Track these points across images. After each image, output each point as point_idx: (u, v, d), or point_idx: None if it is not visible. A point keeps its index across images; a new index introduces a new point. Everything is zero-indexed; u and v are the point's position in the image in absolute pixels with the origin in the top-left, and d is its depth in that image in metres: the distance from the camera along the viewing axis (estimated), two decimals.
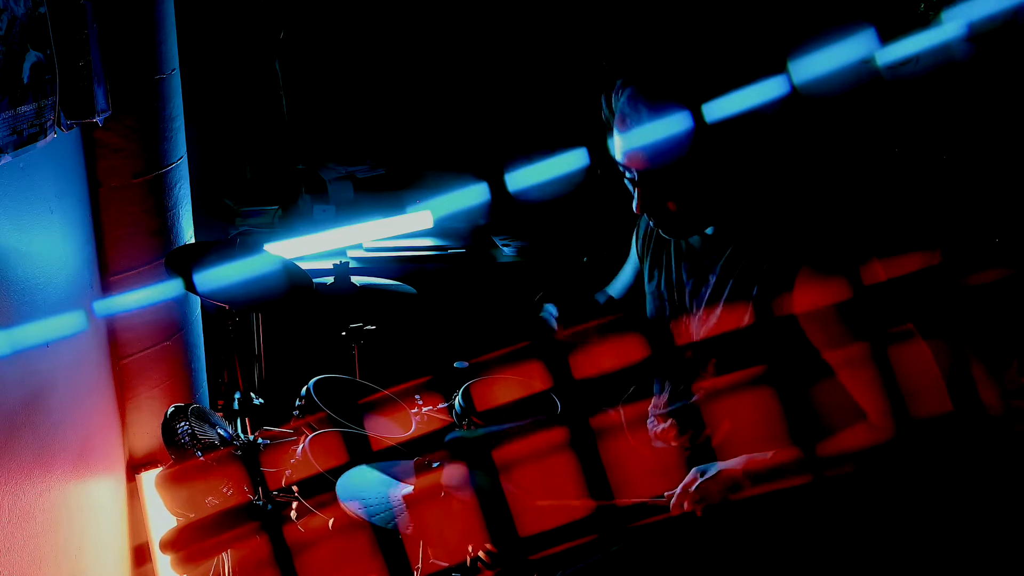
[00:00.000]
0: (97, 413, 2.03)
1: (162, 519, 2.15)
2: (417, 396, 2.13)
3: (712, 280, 1.51)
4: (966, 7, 2.24)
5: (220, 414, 2.18)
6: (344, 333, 2.30)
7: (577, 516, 1.52)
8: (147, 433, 2.24)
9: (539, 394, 1.94)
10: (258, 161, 3.33)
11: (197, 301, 2.36)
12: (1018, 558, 1.60)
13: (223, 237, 2.99)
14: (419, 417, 2.08)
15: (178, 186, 2.15)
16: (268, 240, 2.82)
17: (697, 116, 1.36)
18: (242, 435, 2.04)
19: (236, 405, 2.10)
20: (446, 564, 1.60)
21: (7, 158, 1.43)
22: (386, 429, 2.03)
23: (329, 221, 3.08)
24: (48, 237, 1.71)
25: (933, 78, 2.27)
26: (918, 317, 1.38)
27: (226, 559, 1.91)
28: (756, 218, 1.48)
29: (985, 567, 1.59)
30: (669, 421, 1.63)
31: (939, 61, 2.25)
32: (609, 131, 1.48)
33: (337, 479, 1.76)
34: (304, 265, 2.19)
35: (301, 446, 1.89)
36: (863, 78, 2.29)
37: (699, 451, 1.57)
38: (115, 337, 2.13)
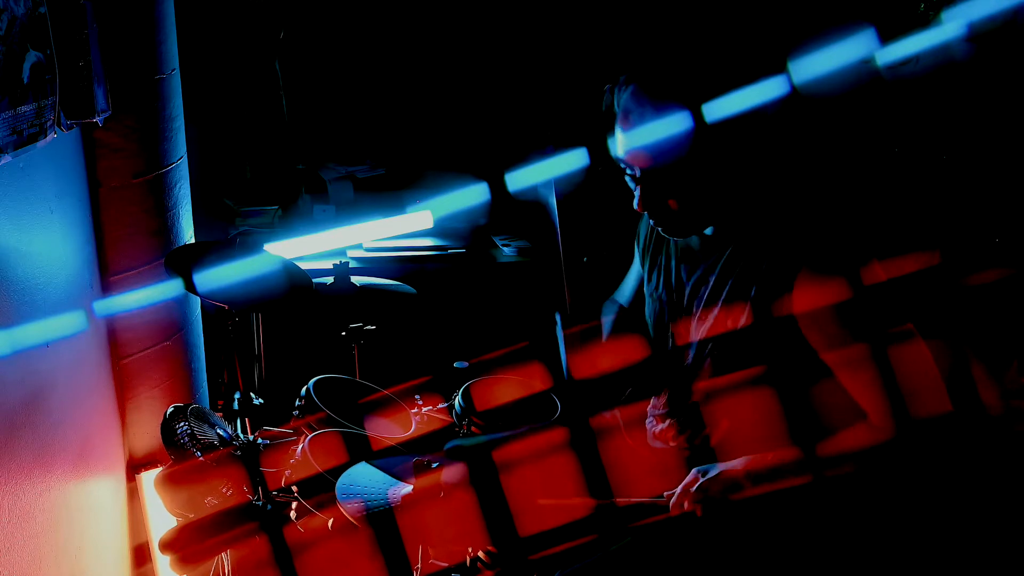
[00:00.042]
0: (97, 413, 2.03)
1: (162, 519, 2.15)
2: (417, 396, 2.13)
3: (711, 281, 1.51)
4: (966, 7, 2.24)
5: (220, 414, 2.18)
6: (344, 333, 2.30)
7: (577, 516, 1.52)
8: (147, 433, 2.24)
9: (539, 394, 1.94)
10: (258, 161, 3.33)
11: (197, 301, 2.36)
12: (1018, 558, 1.60)
13: (223, 237, 2.99)
14: (419, 417, 2.08)
15: (178, 186, 2.15)
16: (268, 240, 2.82)
17: (700, 114, 1.36)
18: (242, 435, 2.03)
19: (236, 405, 2.10)
20: (446, 564, 1.60)
21: (7, 158, 1.43)
22: (386, 429, 2.02)
23: (329, 221, 3.08)
24: (48, 237, 1.71)
25: (933, 78, 2.27)
26: (918, 317, 1.38)
27: (226, 559, 1.91)
28: (756, 218, 1.48)
29: (985, 567, 1.59)
30: (668, 421, 1.63)
31: (939, 61, 2.25)
32: (610, 126, 1.48)
33: (337, 479, 1.76)
34: (304, 265, 2.19)
35: (301, 446, 1.89)
36: (863, 78, 2.29)
37: (698, 451, 1.57)
38: (115, 337, 2.13)
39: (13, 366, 1.50)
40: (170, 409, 1.91)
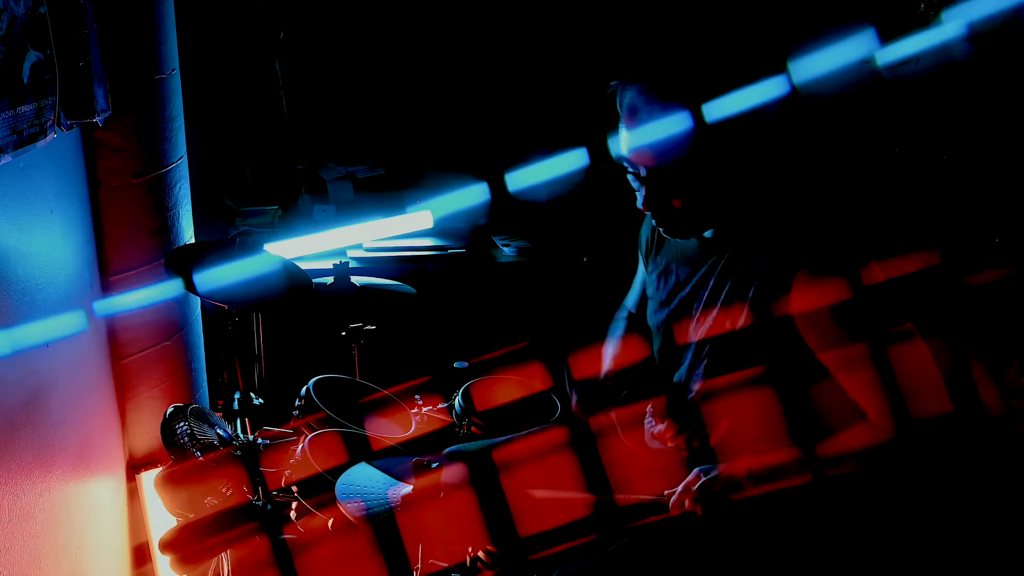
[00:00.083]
0: (97, 413, 2.03)
1: (162, 519, 2.15)
2: (417, 396, 2.14)
3: (710, 282, 1.51)
4: (966, 7, 2.24)
5: (220, 414, 2.18)
6: (344, 333, 2.30)
7: (577, 516, 1.52)
8: (147, 433, 2.24)
9: (539, 394, 1.94)
10: (258, 161, 3.33)
11: (197, 301, 2.36)
12: (1018, 558, 1.60)
13: (223, 237, 2.99)
14: (419, 417, 2.08)
15: (178, 186, 2.15)
16: (268, 240, 2.82)
17: (706, 113, 1.36)
18: (242, 435, 2.04)
19: (236, 405, 2.10)
20: (446, 564, 1.60)
21: (7, 158, 1.43)
22: (386, 429, 2.03)
23: (329, 221, 3.08)
24: (48, 237, 1.71)
25: (933, 78, 2.27)
26: (918, 317, 1.38)
27: (226, 559, 1.91)
28: (755, 219, 1.48)
29: (985, 567, 1.59)
30: (667, 422, 1.63)
31: (939, 61, 2.25)
32: (614, 125, 1.48)
33: (337, 479, 1.76)
34: (304, 265, 2.19)
35: (301, 446, 1.89)
36: (863, 78, 2.29)
37: (697, 452, 1.57)
38: (115, 337, 2.13)
39: (13, 366, 1.50)
40: (170, 409, 1.91)
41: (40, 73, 1.54)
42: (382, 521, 1.65)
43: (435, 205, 3.09)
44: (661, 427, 1.64)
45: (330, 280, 2.26)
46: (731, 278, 1.48)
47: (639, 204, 1.50)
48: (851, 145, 2.48)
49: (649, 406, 1.70)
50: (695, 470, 1.47)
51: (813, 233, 1.42)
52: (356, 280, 2.27)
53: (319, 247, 2.92)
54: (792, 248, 1.41)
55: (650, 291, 1.69)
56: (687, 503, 1.44)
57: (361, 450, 1.92)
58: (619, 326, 1.83)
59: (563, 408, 1.98)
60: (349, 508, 1.66)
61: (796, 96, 1.45)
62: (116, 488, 2.13)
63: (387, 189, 3.28)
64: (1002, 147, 2.22)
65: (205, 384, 2.45)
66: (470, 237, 3.18)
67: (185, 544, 1.78)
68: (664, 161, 1.41)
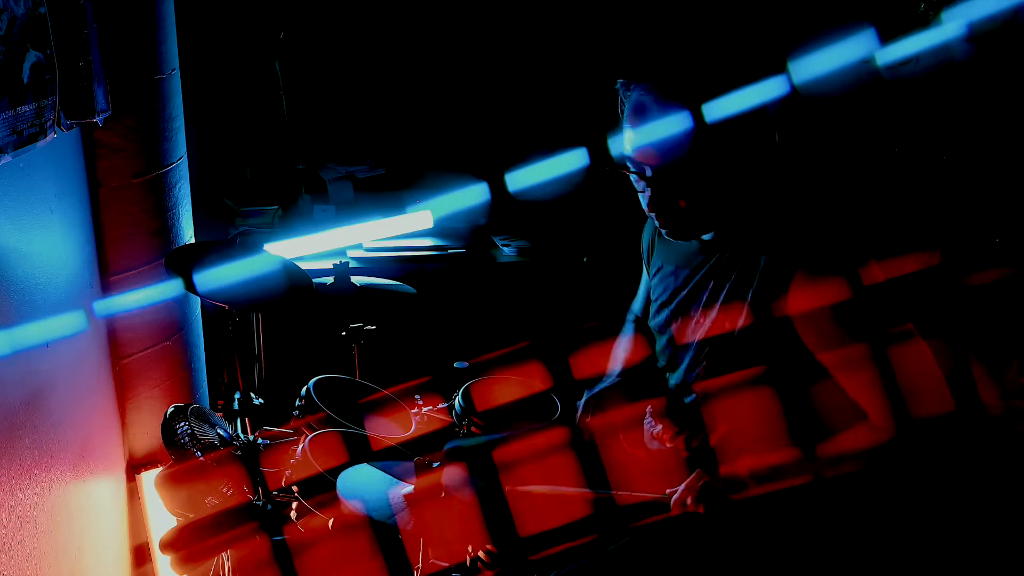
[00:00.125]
0: (97, 413, 2.03)
1: (162, 519, 2.15)
2: (417, 396, 2.14)
3: (710, 283, 1.51)
4: (966, 7, 2.24)
5: (220, 414, 2.18)
6: (344, 333, 2.30)
7: (577, 515, 1.52)
8: (147, 433, 2.24)
9: (539, 394, 1.94)
10: (258, 161, 3.33)
11: (197, 301, 2.36)
12: (1018, 558, 1.61)
13: (223, 237, 2.99)
14: (419, 417, 2.08)
15: (178, 186, 2.15)
16: (268, 240, 2.82)
17: (711, 112, 1.36)
18: (242, 435, 2.04)
19: (236, 405, 2.10)
20: (446, 564, 1.60)
21: (7, 158, 1.43)
22: (386, 429, 2.03)
23: (329, 221, 3.08)
24: (48, 237, 1.71)
25: (933, 78, 2.27)
26: (918, 317, 1.38)
27: (226, 559, 1.91)
28: (754, 219, 1.48)
29: (985, 567, 1.59)
30: (667, 422, 1.63)
31: (939, 61, 2.25)
32: (615, 124, 1.48)
33: (337, 479, 1.76)
34: (304, 265, 2.19)
35: (301, 446, 1.89)
36: (863, 78, 2.29)
37: (697, 452, 1.57)
38: (115, 337, 2.13)
39: (13, 366, 1.50)
40: (170, 409, 1.91)
41: (40, 73, 1.54)
42: (385, 524, 1.65)
43: (435, 205, 3.09)
44: (661, 428, 1.64)
45: (330, 280, 2.26)
46: (730, 278, 1.48)
47: (644, 205, 1.49)
48: (851, 145, 2.48)
49: (649, 407, 1.70)
50: (698, 470, 1.47)
51: (811, 233, 1.42)
52: (356, 280, 2.26)
53: (319, 247, 2.92)
54: (790, 248, 1.41)
55: (651, 293, 1.69)
56: (689, 502, 1.44)
57: (361, 450, 1.92)
58: (627, 330, 1.83)
59: (563, 408, 1.98)
60: (350, 507, 1.66)
61: (796, 96, 1.45)
62: (116, 488, 2.13)
63: (387, 189, 3.28)
64: (1002, 147, 2.23)
65: (205, 384, 2.45)
66: (470, 237, 3.18)
67: (185, 544, 1.78)
68: (670, 160, 1.41)
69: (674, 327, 1.59)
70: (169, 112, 2.05)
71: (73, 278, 1.85)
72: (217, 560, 1.93)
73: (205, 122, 2.97)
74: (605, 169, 1.51)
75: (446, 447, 1.65)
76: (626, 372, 1.74)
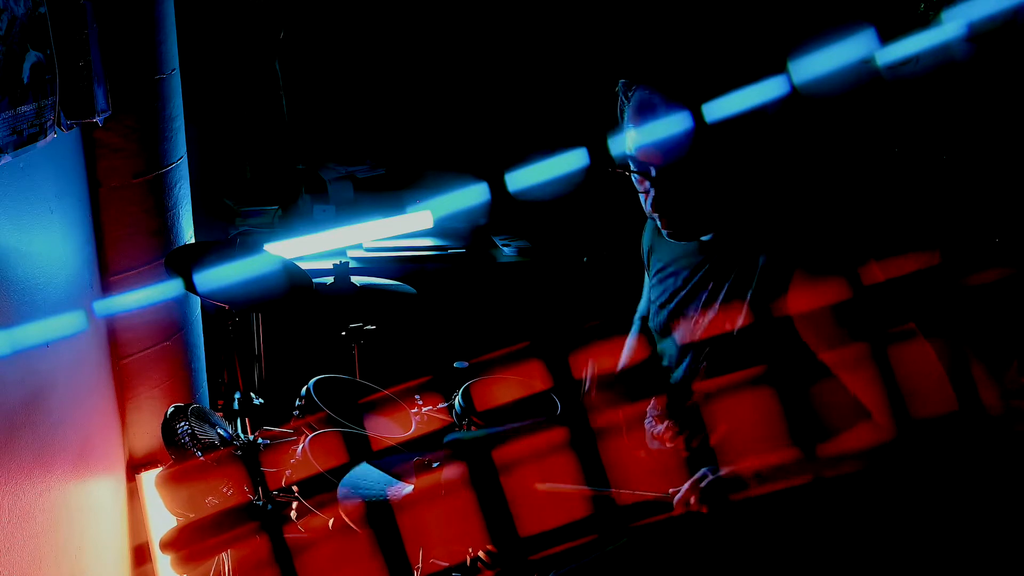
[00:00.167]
0: (97, 413, 2.03)
1: (162, 519, 2.15)
2: (417, 396, 2.14)
3: (709, 283, 1.51)
4: (966, 7, 2.24)
5: (220, 414, 2.18)
6: (344, 333, 2.30)
7: (577, 515, 1.52)
8: (147, 433, 2.24)
9: (539, 394, 1.94)
10: (258, 161, 3.33)
11: (197, 301, 2.36)
12: (1018, 558, 1.61)
13: (223, 237, 2.99)
14: (419, 417, 2.08)
15: (178, 186, 2.15)
16: (268, 240, 2.82)
17: (714, 111, 1.36)
18: (242, 435, 2.04)
19: (236, 405, 2.10)
20: (446, 564, 1.60)
21: (7, 158, 1.43)
22: (386, 429, 2.03)
23: (329, 221, 3.08)
24: (48, 237, 1.71)
25: (933, 78, 2.27)
26: (918, 317, 1.38)
27: (226, 559, 1.91)
28: (754, 218, 1.48)
29: (985, 567, 1.59)
30: (667, 422, 1.63)
31: (939, 61, 2.25)
32: (615, 124, 1.48)
33: (337, 479, 1.76)
34: (304, 265, 2.19)
35: (301, 446, 1.89)
36: (863, 78, 2.29)
37: (697, 452, 1.57)
38: (115, 337, 2.13)
39: (13, 366, 1.50)
40: (171, 409, 1.91)
41: (40, 73, 1.54)
42: (382, 519, 1.65)
43: (435, 205, 3.09)
44: (661, 428, 1.64)
45: (330, 280, 2.26)
46: (729, 278, 1.48)
47: (647, 206, 1.49)
48: (851, 145, 2.48)
49: (649, 406, 1.70)
50: (702, 470, 1.46)
51: (810, 233, 1.42)
52: (356, 280, 2.26)
53: (319, 247, 2.92)
54: (789, 248, 1.41)
55: (651, 294, 1.69)
56: (693, 502, 1.44)
57: (361, 450, 1.92)
58: (634, 331, 1.83)
59: (563, 408, 1.98)
60: (349, 507, 1.66)
61: (796, 96, 1.45)
62: (116, 488, 2.13)
63: (387, 189, 3.28)
64: (1002, 147, 2.23)
65: (205, 384, 2.45)
66: (470, 237, 3.18)
67: (185, 544, 1.79)
68: (674, 159, 1.41)
69: (674, 327, 1.59)
70: (169, 112, 2.05)
71: (73, 278, 1.85)
72: (217, 560, 1.93)
73: (205, 122, 2.97)
74: (608, 170, 1.50)
75: (445, 439, 1.65)
76: (628, 372, 1.74)
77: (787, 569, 1.47)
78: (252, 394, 2.12)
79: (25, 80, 1.48)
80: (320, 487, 1.78)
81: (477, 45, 3.27)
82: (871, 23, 2.26)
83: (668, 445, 1.61)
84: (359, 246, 3.04)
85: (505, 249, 3.13)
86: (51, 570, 1.62)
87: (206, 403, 2.46)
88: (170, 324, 2.22)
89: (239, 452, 1.86)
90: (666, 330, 1.62)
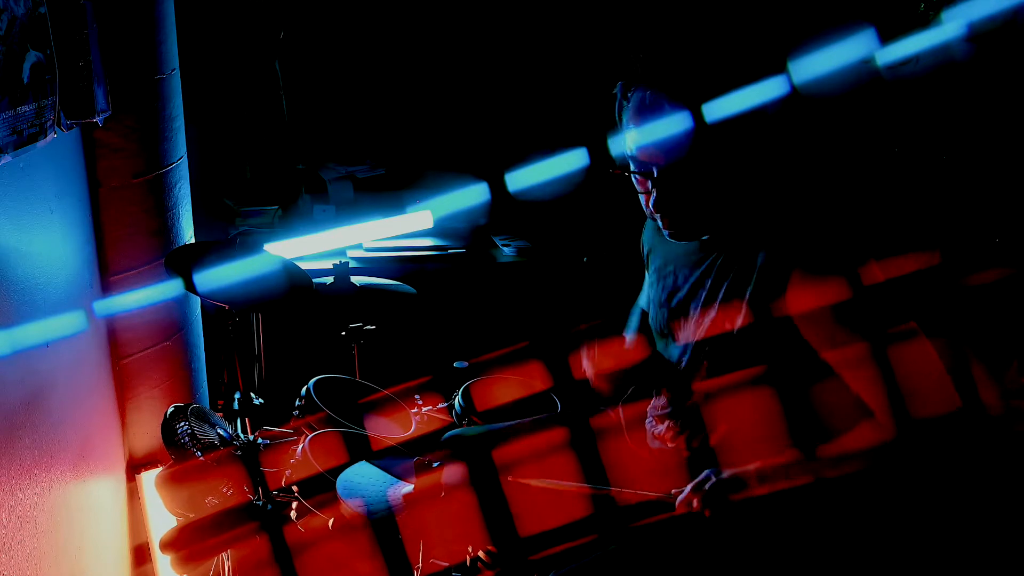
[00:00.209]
0: (97, 413, 2.03)
1: (162, 519, 2.15)
2: (417, 396, 2.14)
3: (708, 282, 1.51)
4: (966, 7, 2.24)
5: (220, 414, 2.18)
6: (344, 333, 2.30)
7: (577, 515, 1.52)
8: (147, 433, 2.24)
9: (539, 394, 1.94)
10: (258, 161, 3.33)
11: (197, 301, 2.36)
12: (1018, 558, 1.61)
13: (223, 237, 2.99)
14: (419, 417, 2.08)
15: (178, 186, 2.15)
16: (268, 240, 2.82)
17: (716, 111, 1.36)
18: (242, 435, 2.04)
19: (236, 405, 2.10)
20: (446, 564, 1.60)
21: (7, 158, 1.43)
22: (386, 429, 2.03)
23: (329, 221, 3.08)
24: (48, 237, 1.71)
25: (933, 78, 2.27)
26: (918, 317, 1.38)
27: (226, 559, 1.91)
28: (753, 217, 1.48)
29: (985, 567, 1.59)
30: (668, 422, 1.63)
31: (939, 61, 2.25)
32: (616, 124, 1.48)
33: (337, 479, 1.76)
34: (304, 265, 2.19)
35: (301, 446, 1.89)
36: (863, 78, 2.29)
37: (698, 452, 1.57)
38: (115, 337, 2.13)
39: (13, 366, 1.50)
40: (170, 409, 1.91)
41: (40, 73, 1.54)
42: (382, 521, 1.65)
43: (435, 205, 3.09)
44: (662, 428, 1.64)
45: (330, 280, 2.26)
46: (728, 277, 1.48)
47: (649, 206, 1.49)
48: (851, 145, 2.48)
49: (650, 407, 1.70)
50: (704, 472, 1.46)
51: (809, 232, 1.42)
52: (356, 280, 2.27)
53: (319, 247, 2.92)
54: (788, 247, 1.41)
55: (651, 293, 1.69)
56: (695, 504, 1.43)
57: (361, 450, 1.92)
58: (633, 324, 1.82)
59: (563, 408, 1.98)
60: (350, 507, 1.66)
61: (796, 96, 1.45)
62: (116, 488, 2.13)
63: (387, 189, 3.29)
64: (1002, 147, 2.23)
65: (205, 384, 2.45)
66: (470, 237, 3.18)
67: (185, 544, 1.79)
68: (675, 159, 1.40)
69: (674, 327, 1.59)
70: (169, 112, 2.05)
71: (73, 278, 1.85)
72: (217, 560, 1.93)
73: (205, 122, 2.97)
74: (609, 172, 1.50)
75: (444, 437, 1.65)
76: (628, 371, 1.74)
77: (789, 569, 1.47)
78: (252, 394, 2.12)
79: (25, 80, 1.48)
80: (320, 487, 1.78)
81: (477, 45, 3.27)
82: (871, 23, 2.26)
83: (669, 445, 1.61)
84: (359, 246, 3.04)
85: (505, 249, 3.13)
86: (51, 570, 1.62)
87: (206, 403, 2.46)
88: (170, 324, 2.22)
89: (239, 452, 1.86)
90: (666, 329, 1.62)
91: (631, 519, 1.50)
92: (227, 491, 1.82)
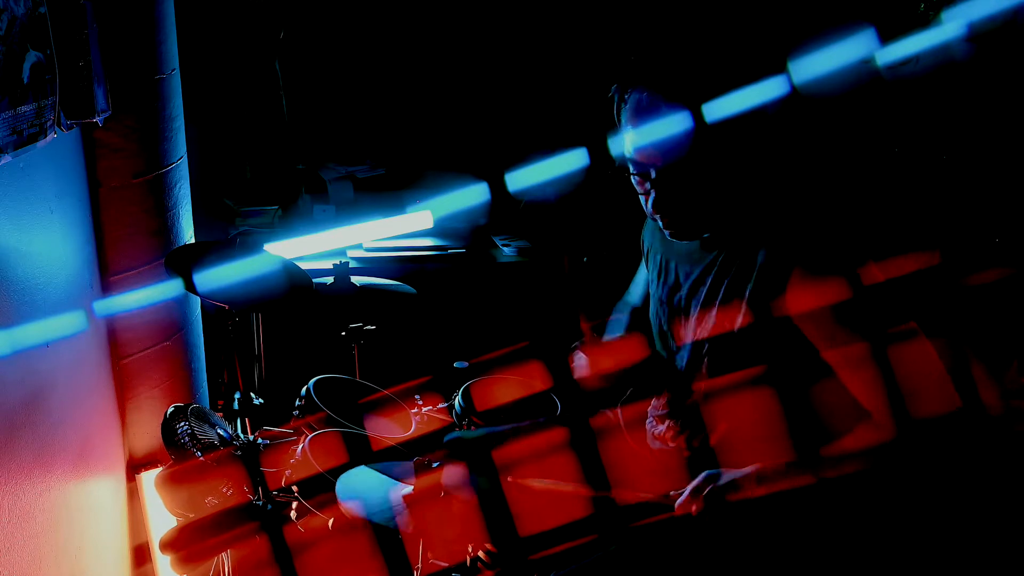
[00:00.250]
0: (97, 413, 2.03)
1: (162, 519, 2.15)
2: (417, 396, 2.14)
3: (708, 281, 1.51)
4: (966, 7, 2.24)
5: (220, 414, 2.18)
6: (344, 333, 2.30)
7: (577, 515, 1.52)
8: (147, 433, 2.24)
9: (539, 394, 1.94)
10: (258, 161, 3.33)
11: (197, 301, 2.36)
12: (1018, 558, 1.61)
13: (223, 237, 2.99)
14: (419, 417, 2.08)
15: (178, 186, 2.15)
16: (268, 240, 2.82)
17: (713, 112, 1.36)
18: (242, 435, 2.04)
19: (236, 405, 2.10)
20: (446, 564, 1.60)
21: (7, 158, 1.43)
22: (386, 429, 2.03)
23: (329, 221, 3.08)
24: (48, 237, 1.71)
25: (933, 78, 2.27)
26: (918, 317, 1.38)
27: (226, 559, 1.91)
28: (753, 217, 1.48)
29: (985, 567, 1.59)
30: (668, 422, 1.63)
31: (939, 61, 2.25)
32: (619, 126, 1.48)
33: (337, 479, 1.76)
34: (304, 265, 2.19)
35: (301, 446, 1.89)
36: (863, 78, 2.29)
37: (698, 452, 1.57)
38: (115, 337, 2.13)
39: (13, 366, 1.50)
40: (170, 409, 1.91)
41: (40, 73, 1.54)
42: (384, 522, 1.65)
43: (435, 205, 3.09)
44: (662, 428, 1.64)
45: (330, 280, 2.26)
46: (728, 276, 1.48)
47: (648, 207, 1.49)
48: (851, 145, 2.48)
49: (650, 406, 1.70)
50: (703, 475, 1.46)
51: (809, 231, 1.42)
52: (356, 280, 2.27)
53: (319, 247, 2.92)
54: (788, 246, 1.41)
55: (651, 290, 1.69)
56: (694, 510, 1.43)
57: (361, 450, 1.92)
58: (622, 321, 1.82)
59: (563, 408, 1.98)
60: (349, 508, 1.66)
61: (796, 96, 1.45)
62: (116, 488, 2.13)
63: (387, 189, 3.29)
64: (1002, 147, 2.23)
65: (205, 384, 2.45)
66: (470, 237, 3.18)
67: (185, 544, 1.79)
68: (673, 160, 1.40)
69: (674, 326, 1.59)
70: (169, 112, 2.05)
71: (73, 278, 1.85)
72: (217, 560, 1.93)
73: (205, 122, 2.97)
74: (608, 172, 1.50)
75: (445, 439, 1.65)
76: (623, 366, 1.74)
77: (789, 570, 1.47)
78: (252, 394, 2.12)
79: (25, 80, 1.48)
80: (320, 487, 1.78)
81: (477, 45, 3.27)
82: (871, 23, 2.26)
83: (670, 445, 1.61)
84: (359, 246, 3.04)
85: (505, 249, 3.13)
86: (51, 570, 1.62)
87: (206, 403, 2.46)
88: (170, 324, 2.22)
89: (239, 452, 1.86)
90: (666, 328, 1.62)
91: (631, 519, 1.50)
92: (227, 491, 1.82)
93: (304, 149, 3.36)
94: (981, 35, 2.21)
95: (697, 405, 1.55)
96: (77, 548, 1.79)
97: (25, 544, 1.49)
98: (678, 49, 1.44)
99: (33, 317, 1.59)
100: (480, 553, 1.54)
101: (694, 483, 1.45)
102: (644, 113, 1.41)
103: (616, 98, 1.46)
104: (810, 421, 1.45)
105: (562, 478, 1.56)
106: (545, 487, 1.54)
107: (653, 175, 1.44)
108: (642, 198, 1.51)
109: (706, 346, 1.52)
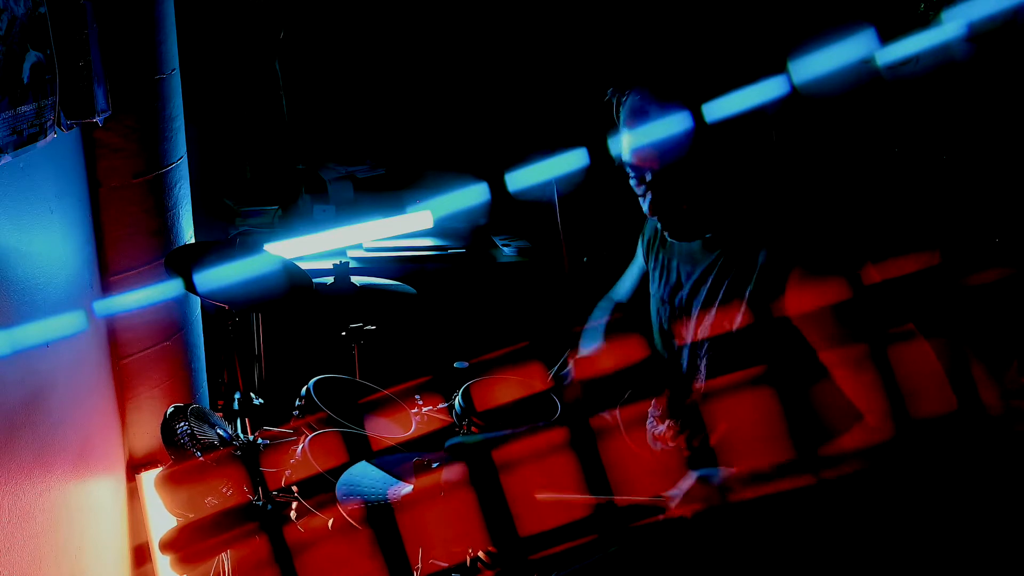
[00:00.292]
0: (97, 413, 2.03)
1: (162, 519, 2.15)
2: (417, 396, 2.13)
3: (709, 281, 1.51)
4: (966, 7, 2.24)
5: (220, 414, 2.18)
6: (344, 333, 2.30)
7: (577, 516, 1.52)
8: (147, 433, 2.24)
9: (539, 394, 1.94)
10: (258, 161, 3.33)
11: (197, 301, 2.36)
12: (1018, 558, 1.61)
13: (223, 237, 2.99)
14: (419, 417, 2.08)
15: (178, 186, 2.15)
16: (268, 240, 2.82)
17: (709, 113, 1.36)
18: (242, 435, 2.03)
19: (236, 405, 2.10)
20: (446, 564, 1.60)
21: (7, 158, 1.43)
22: (386, 429, 2.03)
23: (329, 221, 3.08)
24: (48, 237, 1.71)
25: (933, 78, 2.27)
26: (918, 317, 1.38)
27: (226, 559, 1.91)
28: (753, 218, 1.48)
29: (985, 567, 1.59)
30: (668, 422, 1.63)
31: (939, 61, 2.25)
32: (614, 127, 1.48)
33: (337, 479, 1.76)
34: (304, 265, 2.19)
35: (301, 446, 1.89)
36: (863, 78, 2.29)
37: (698, 452, 1.57)
38: (115, 337, 2.13)
39: (13, 366, 1.50)
40: (170, 409, 1.91)
41: (40, 73, 1.54)
42: (382, 519, 1.65)
43: (435, 205, 3.10)
44: (662, 428, 1.64)
45: (330, 280, 2.26)
46: (728, 276, 1.48)
47: (645, 209, 1.49)
48: (851, 145, 2.48)
49: (650, 407, 1.70)
50: (695, 476, 1.46)
51: (809, 231, 1.42)
52: (356, 280, 2.27)
53: (319, 247, 2.92)
54: (788, 246, 1.41)
55: (651, 288, 1.69)
56: (687, 512, 1.43)
57: (361, 450, 1.92)
58: (598, 329, 1.81)
59: (563, 408, 1.98)
60: (349, 507, 1.65)
61: (796, 96, 1.45)
62: (116, 488, 2.13)
63: (387, 189, 3.29)
64: (1002, 147, 2.22)
65: (205, 384, 2.45)
66: (470, 237, 3.18)
67: (185, 544, 1.78)
68: (670, 162, 1.40)
69: (674, 326, 1.59)
70: (169, 112, 2.05)
71: (73, 278, 1.85)
72: (217, 560, 1.93)
73: (205, 122, 2.97)
74: (608, 173, 1.50)
75: (446, 444, 1.65)
76: (621, 366, 1.74)
77: (788, 570, 1.47)
78: (252, 394, 2.12)
79: (25, 80, 1.48)
80: (320, 487, 1.77)
81: (477, 45, 3.27)
82: (871, 23, 2.26)
83: (670, 445, 1.61)
84: (359, 246, 3.04)
85: (505, 249, 3.13)
86: (51, 570, 1.62)
87: (206, 403, 2.46)
88: (170, 324, 2.22)
89: (239, 452, 1.86)
90: (666, 328, 1.62)
91: (631, 520, 1.50)
92: (227, 491, 1.82)
93: (304, 149, 3.36)
94: (981, 35, 2.20)
95: (697, 405, 1.55)
96: (77, 548, 1.79)
97: (25, 544, 1.49)
98: (676, 50, 1.44)
99: (33, 317, 1.59)
100: (480, 553, 1.53)
101: (687, 488, 1.45)
102: (641, 115, 1.41)
103: (614, 100, 1.46)
104: (810, 421, 1.45)
105: (563, 481, 1.56)
106: (551, 500, 1.54)
107: (649, 177, 1.44)
108: (641, 200, 1.51)
109: (706, 346, 1.52)
